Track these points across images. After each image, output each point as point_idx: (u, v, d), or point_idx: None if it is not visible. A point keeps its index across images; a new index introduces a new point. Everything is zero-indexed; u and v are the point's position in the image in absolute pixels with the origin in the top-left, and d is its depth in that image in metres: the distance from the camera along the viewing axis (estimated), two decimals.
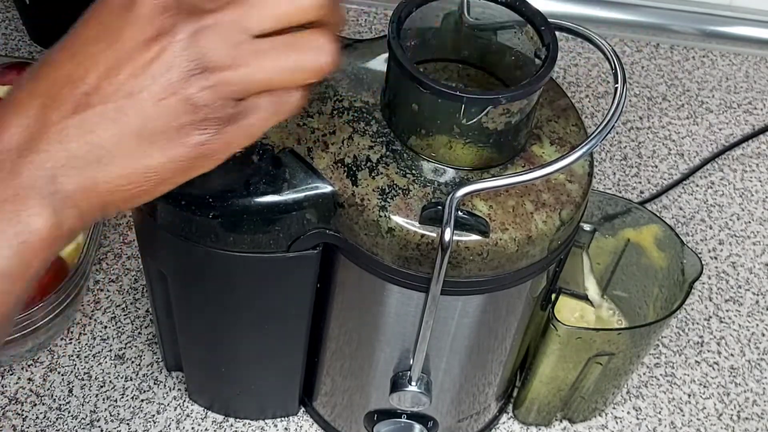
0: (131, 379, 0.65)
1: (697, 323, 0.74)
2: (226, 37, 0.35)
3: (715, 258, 0.78)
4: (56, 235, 0.36)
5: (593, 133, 0.44)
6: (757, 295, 0.76)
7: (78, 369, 0.66)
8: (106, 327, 0.68)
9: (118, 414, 0.64)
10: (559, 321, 0.56)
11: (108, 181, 0.36)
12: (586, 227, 0.64)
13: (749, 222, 0.82)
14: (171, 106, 0.35)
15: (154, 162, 0.36)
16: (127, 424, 0.63)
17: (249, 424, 0.65)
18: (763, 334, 0.74)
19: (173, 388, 0.66)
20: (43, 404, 0.64)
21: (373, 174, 0.46)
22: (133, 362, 0.66)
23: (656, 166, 0.85)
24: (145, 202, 0.38)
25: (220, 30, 0.35)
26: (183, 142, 0.36)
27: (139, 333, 0.68)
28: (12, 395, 0.64)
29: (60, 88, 0.35)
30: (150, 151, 0.36)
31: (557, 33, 0.46)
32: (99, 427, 0.63)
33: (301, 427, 0.65)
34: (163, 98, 0.35)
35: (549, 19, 0.46)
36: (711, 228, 0.81)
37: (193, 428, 0.64)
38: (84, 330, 0.68)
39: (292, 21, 0.35)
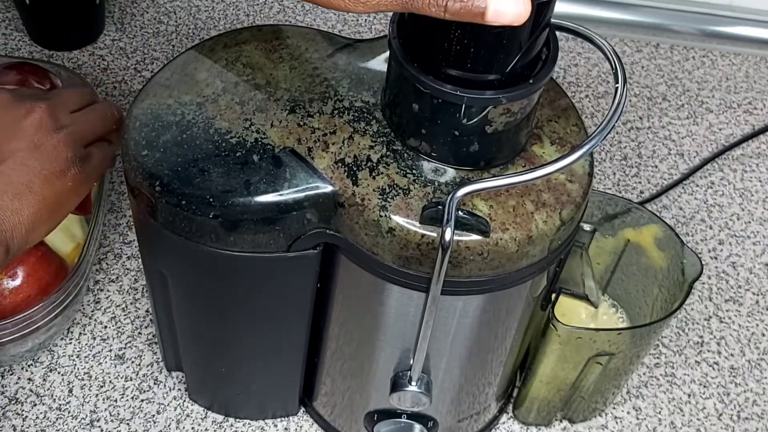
0: (131, 379, 0.65)
1: (697, 323, 0.74)
2: (61, 110, 0.59)
3: (715, 258, 0.78)
4: None
5: (593, 133, 0.44)
6: (757, 295, 0.76)
7: (78, 369, 0.66)
8: (106, 327, 0.68)
9: (118, 414, 0.64)
10: (559, 321, 0.56)
11: (30, 212, 0.54)
12: (586, 227, 0.64)
13: (749, 222, 0.82)
14: (52, 152, 0.56)
15: (56, 190, 0.56)
16: (127, 424, 0.63)
17: (249, 424, 0.65)
18: (763, 334, 0.74)
19: (173, 388, 0.66)
20: (43, 404, 0.64)
21: (373, 174, 0.46)
22: (133, 362, 0.66)
23: (656, 166, 0.85)
24: (43, 235, 0.57)
25: (57, 107, 0.59)
26: (67, 175, 0.57)
27: (139, 333, 0.68)
28: (12, 395, 0.64)
29: None
30: (52, 184, 0.56)
31: (557, 33, 0.46)
32: (99, 427, 0.63)
33: (301, 427, 0.65)
34: (47, 147, 0.56)
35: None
36: (711, 228, 0.81)
37: (193, 428, 0.64)
38: (84, 330, 0.68)
39: (84, 103, 0.62)
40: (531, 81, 0.43)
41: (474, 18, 0.38)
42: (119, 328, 0.68)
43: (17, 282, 0.60)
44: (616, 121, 0.44)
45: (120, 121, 0.63)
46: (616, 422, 0.67)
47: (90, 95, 0.64)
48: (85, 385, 0.65)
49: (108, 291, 0.70)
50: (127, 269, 0.71)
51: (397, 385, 0.55)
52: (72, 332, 0.67)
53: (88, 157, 0.59)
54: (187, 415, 0.64)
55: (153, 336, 0.68)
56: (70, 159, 0.57)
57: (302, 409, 0.65)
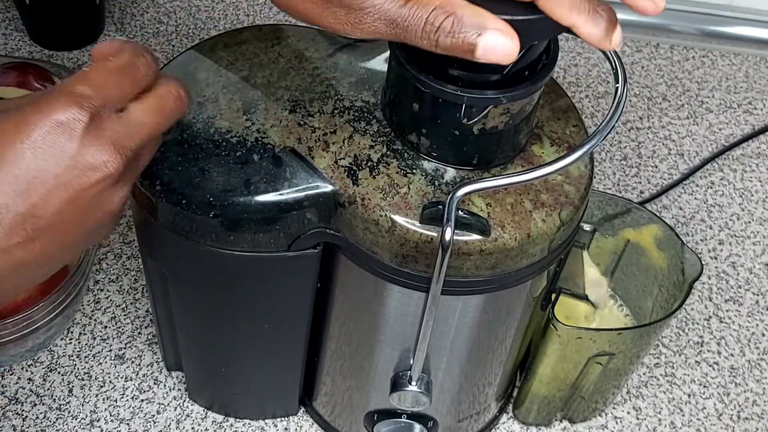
0: (131, 379, 0.65)
1: (697, 323, 0.74)
2: (107, 121, 0.40)
3: (715, 258, 0.78)
4: None
5: (593, 133, 0.44)
6: (757, 295, 0.76)
7: (78, 369, 0.66)
8: (106, 327, 0.68)
9: (118, 414, 0.64)
10: (559, 321, 0.56)
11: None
12: (586, 227, 0.64)
13: (749, 222, 0.82)
14: (93, 204, 0.40)
15: (93, 241, 0.42)
16: (127, 424, 0.63)
17: (249, 424, 0.64)
18: (763, 334, 0.74)
19: (173, 388, 0.65)
20: (43, 404, 0.64)
21: (373, 173, 0.46)
22: (133, 362, 0.66)
23: (656, 166, 0.85)
24: None
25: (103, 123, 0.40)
26: (110, 223, 0.41)
27: (139, 333, 0.68)
28: (12, 395, 0.64)
29: None
30: (90, 238, 0.41)
31: None
32: (99, 427, 0.63)
33: (301, 427, 0.65)
34: (84, 199, 0.39)
35: None
36: (711, 228, 0.81)
37: (193, 428, 0.64)
38: (84, 330, 0.68)
39: (135, 84, 0.41)
40: (531, 81, 0.43)
41: (464, 54, 0.37)
42: (119, 328, 0.68)
43: None
44: (616, 122, 0.44)
45: (185, 102, 0.42)
46: (616, 422, 0.67)
47: (149, 65, 0.40)
48: (85, 385, 0.65)
49: (108, 291, 0.70)
50: (127, 269, 0.71)
51: (397, 385, 0.55)
52: (72, 332, 0.67)
53: (135, 173, 0.42)
54: (187, 415, 0.64)
55: (153, 336, 0.68)
56: (117, 208, 0.41)
57: (302, 409, 0.65)
